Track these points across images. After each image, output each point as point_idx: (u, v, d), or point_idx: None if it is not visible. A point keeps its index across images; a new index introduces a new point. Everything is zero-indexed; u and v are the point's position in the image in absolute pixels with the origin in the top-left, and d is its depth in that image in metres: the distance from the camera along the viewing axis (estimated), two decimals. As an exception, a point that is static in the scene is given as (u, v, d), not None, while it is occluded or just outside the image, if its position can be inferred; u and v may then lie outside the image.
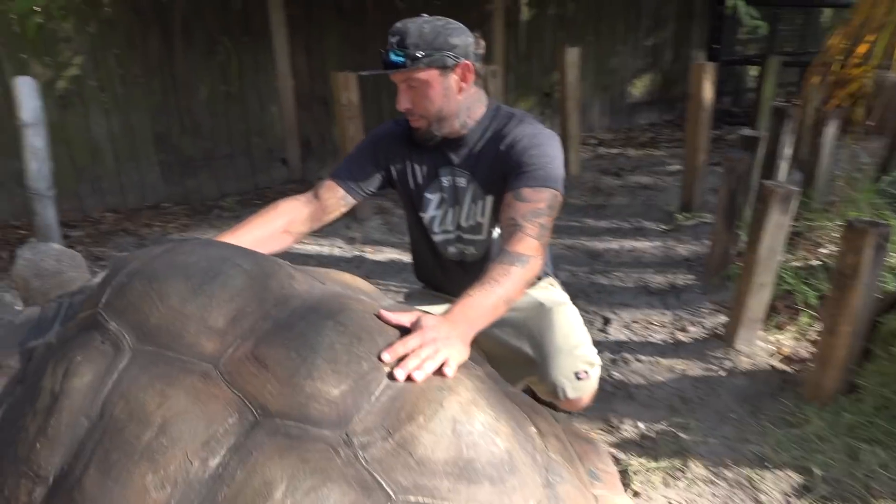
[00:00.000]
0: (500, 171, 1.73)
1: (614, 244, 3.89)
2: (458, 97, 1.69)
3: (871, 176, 3.62)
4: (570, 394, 1.74)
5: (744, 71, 6.89)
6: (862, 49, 2.89)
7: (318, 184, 1.86)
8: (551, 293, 1.95)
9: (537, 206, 1.61)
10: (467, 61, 1.66)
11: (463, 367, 1.30)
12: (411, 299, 2.08)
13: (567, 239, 3.97)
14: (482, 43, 1.72)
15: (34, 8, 3.36)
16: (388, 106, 5.18)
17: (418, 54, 1.60)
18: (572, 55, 4.61)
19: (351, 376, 1.17)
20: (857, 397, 2.24)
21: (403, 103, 1.68)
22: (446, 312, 1.39)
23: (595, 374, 1.79)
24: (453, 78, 1.67)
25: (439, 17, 1.66)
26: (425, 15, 1.67)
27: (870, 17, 2.72)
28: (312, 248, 3.84)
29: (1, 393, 1.31)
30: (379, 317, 1.30)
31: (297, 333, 1.20)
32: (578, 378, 1.74)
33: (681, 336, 2.84)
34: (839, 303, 2.17)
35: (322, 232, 4.01)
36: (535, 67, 5.82)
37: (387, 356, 1.20)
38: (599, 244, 3.90)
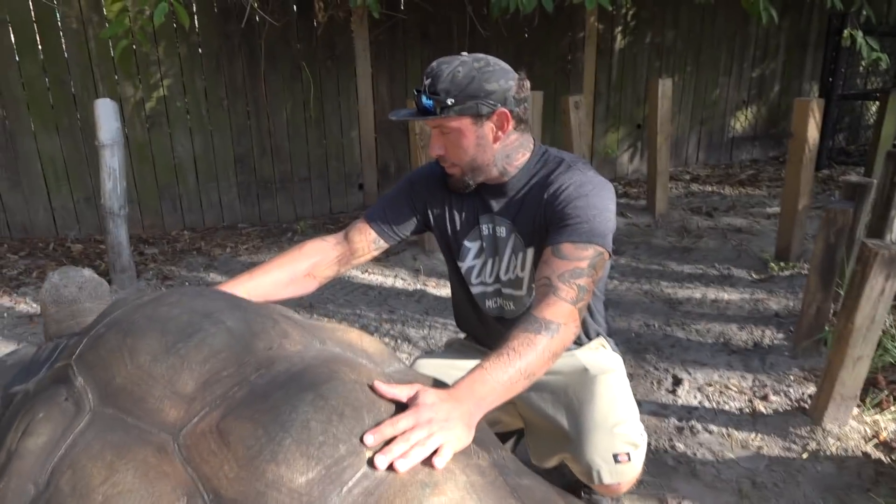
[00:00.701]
0: (542, 221, 1.55)
1: (697, 293, 3.58)
2: (493, 146, 1.54)
3: None
4: (607, 479, 1.52)
5: (863, 107, 6.33)
6: None
7: (351, 225, 1.75)
8: (600, 357, 1.74)
9: (578, 264, 1.42)
10: (504, 109, 1.50)
11: (462, 455, 1.13)
12: (450, 351, 1.92)
13: (644, 284, 3.69)
14: (526, 85, 1.55)
15: (121, 32, 3.46)
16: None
17: (448, 101, 1.46)
18: (665, 86, 4.33)
19: (323, 461, 1.02)
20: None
21: (435, 149, 1.55)
22: (454, 385, 1.22)
23: (638, 457, 1.56)
24: (488, 126, 1.52)
25: (480, 57, 1.51)
26: (465, 53, 1.53)
27: None
28: (375, 278, 3.75)
29: (-25, 441, 1.25)
30: (372, 389, 1.15)
31: (270, 406, 1.07)
32: (617, 461, 1.52)
33: (761, 406, 2.52)
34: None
35: (388, 262, 3.93)
36: (628, 97, 5.55)
37: (371, 438, 1.05)
38: (680, 292, 3.60)
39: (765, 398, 2.57)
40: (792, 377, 2.70)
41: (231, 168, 4.53)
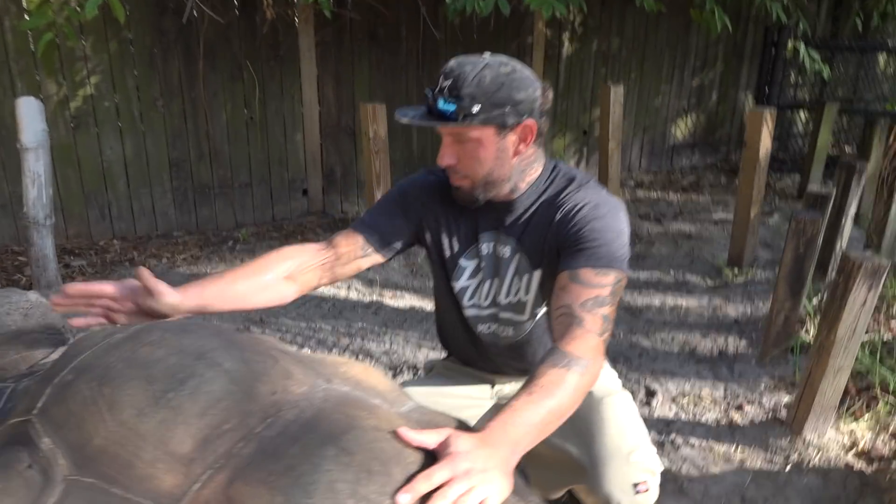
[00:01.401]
0: (553, 243, 1.43)
1: (656, 300, 3.56)
2: (512, 161, 1.41)
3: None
4: (627, 510, 1.42)
5: (793, 116, 6.54)
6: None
7: (336, 233, 1.57)
8: (602, 377, 1.63)
9: (600, 292, 1.31)
10: (531, 120, 1.37)
11: (504, 507, 1.00)
12: (435, 377, 1.78)
13: (605, 293, 3.64)
14: (550, 96, 1.43)
15: (43, 24, 3.14)
16: (419, 141, 4.93)
17: (474, 109, 1.31)
18: (617, 93, 4.32)
19: (355, 531, 0.87)
20: (960, 518, 1.88)
21: (447, 159, 1.40)
22: (483, 429, 1.08)
23: (656, 483, 1.46)
24: (511, 139, 1.38)
25: (505, 60, 1.36)
26: (487, 54, 1.38)
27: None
28: (329, 290, 3.56)
29: None
30: (397, 436, 1.00)
31: (287, 466, 0.91)
32: (637, 491, 1.42)
33: (737, 417, 2.49)
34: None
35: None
36: (575, 104, 5.54)
37: (405, 498, 0.90)
38: (640, 299, 3.57)
39: (740, 408, 2.55)
40: (763, 386, 2.70)
41: (165, 173, 4.23)
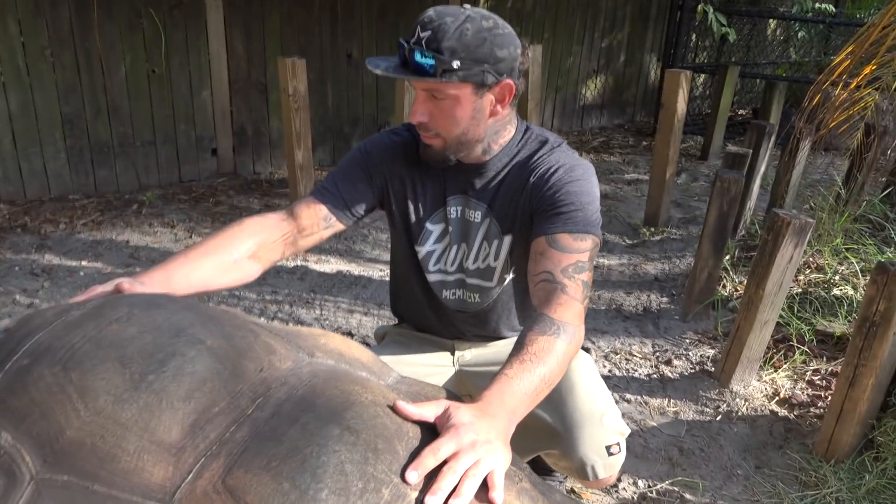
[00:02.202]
0: (526, 207, 1.40)
1: (579, 259, 3.62)
2: (487, 121, 1.35)
3: (844, 199, 3.50)
4: (601, 473, 1.43)
5: (693, 78, 6.79)
6: (867, 70, 2.71)
7: (296, 202, 1.48)
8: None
9: (579, 258, 1.29)
10: (510, 80, 1.31)
11: (507, 480, 0.98)
12: (391, 344, 1.71)
13: (530, 253, 3.68)
14: (529, 55, 1.37)
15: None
16: (333, 98, 4.75)
17: (454, 64, 1.23)
18: (535, 53, 4.30)
19: (369, 513, 0.82)
20: (876, 455, 2.04)
21: (419, 115, 1.32)
22: (480, 399, 1.05)
23: (624, 445, 1.48)
24: (488, 98, 1.32)
25: (486, 14, 1.29)
26: (468, 6, 1.29)
27: (881, 39, 2.54)
28: (249, 255, 3.39)
29: None
30: (395, 410, 0.95)
31: (289, 449, 0.84)
32: (610, 453, 1.44)
33: (667, 371, 2.59)
34: (864, 352, 1.95)
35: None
36: (488, 62, 5.50)
37: (413, 475, 0.86)
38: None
39: (668, 363, 2.65)
40: (688, 340, 2.81)
41: (58, 130, 3.86)
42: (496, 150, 1.41)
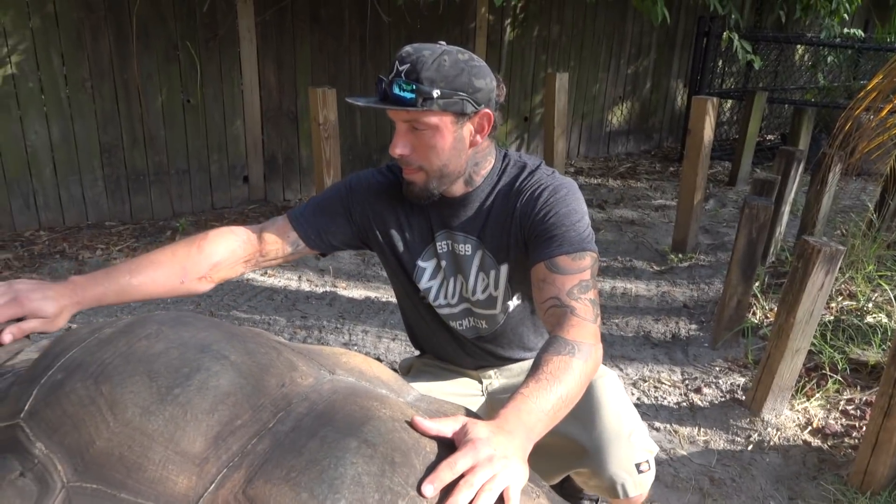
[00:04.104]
0: (518, 235, 1.41)
1: (606, 285, 3.61)
2: (468, 151, 1.37)
3: (876, 225, 3.45)
4: (632, 491, 1.41)
5: (721, 104, 6.78)
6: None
7: (270, 221, 1.50)
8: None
9: (581, 277, 1.29)
10: (488, 110, 1.33)
11: (524, 496, 0.98)
12: (418, 374, 1.72)
13: (557, 279, 3.67)
14: (504, 89, 1.40)
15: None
16: (363, 127, 4.83)
17: (434, 93, 1.25)
18: (562, 80, 4.34)
19: (385, 525, 0.83)
20: (913, 486, 1.98)
21: (400, 148, 1.33)
22: (496, 416, 1.05)
23: (654, 463, 1.47)
24: (468, 128, 1.34)
25: (461, 49, 1.33)
26: (443, 42, 1.34)
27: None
28: (279, 280, 3.44)
29: None
30: (413, 425, 0.96)
31: (308, 461, 0.85)
32: (640, 471, 1.42)
33: (696, 399, 2.55)
34: (899, 380, 1.90)
35: (290, 262, 3.63)
36: (517, 90, 5.56)
37: (429, 488, 0.87)
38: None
39: (698, 391, 2.61)
40: (717, 368, 2.77)
41: (96, 159, 3.99)
42: (478, 182, 1.43)
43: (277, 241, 1.46)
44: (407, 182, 1.40)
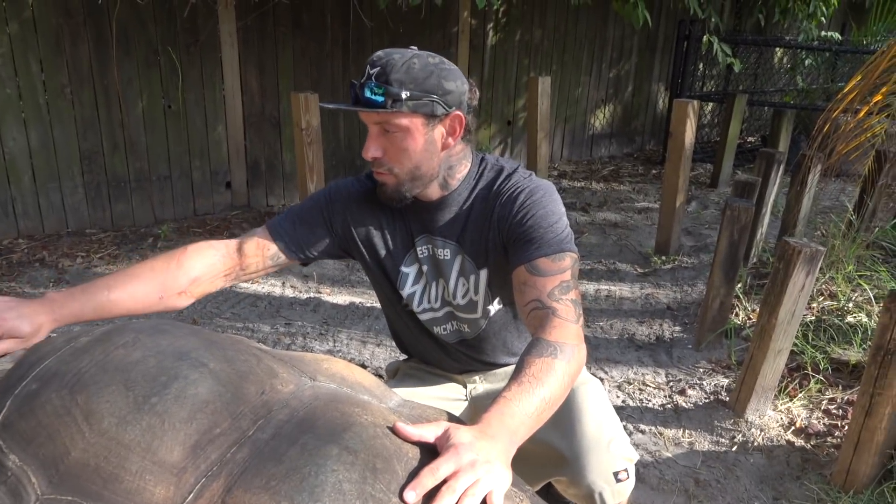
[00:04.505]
0: (497, 239, 1.41)
1: (591, 287, 3.62)
2: (440, 154, 1.37)
3: (856, 226, 3.48)
4: (610, 500, 1.41)
5: (701, 107, 6.83)
6: (877, 98, 2.72)
7: (248, 234, 1.49)
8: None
9: (562, 278, 1.29)
10: (459, 112, 1.33)
11: (507, 499, 0.98)
12: (405, 378, 1.71)
13: (541, 282, 3.67)
14: (477, 93, 1.41)
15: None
16: (346, 131, 4.82)
17: (403, 94, 1.26)
18: (545, 84, 4.36)
19: (367, 533, 0.82)
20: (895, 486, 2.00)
21: (372, 150, 1.33)
22: (478, 421, 1.05)
23: (633, 471, 1.46)
24: (439, 130, 1.34)
25: (432, 54, 1.33)
26: (415, 47, 1.34)
27: (891, 67, 2.56)
28: (262, 287, 3.42)
29: None
30: (395, 431, 0.95)
31: (288, 468, 0.85)
32: (618, 480, 1.41)
33: (681, 401, 2.56)
34: (880, 381, 1.92)
35: (272, 268, 3.60)
36: (500, 94, 5.57)
37: (411, 494, 0.87)
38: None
39: (682, 393, 2.62)
40: (701, 370, 2.78)
41: (76, 165, 3.94)
42: (454, 185, 1.42)
43: (257, 254, 1.45)
44: (379, 184, 1.40)
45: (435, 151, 1.36)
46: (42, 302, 1.24)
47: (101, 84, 3.89)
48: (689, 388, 2.65)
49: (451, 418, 1.11)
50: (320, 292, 3.40)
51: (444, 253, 1.46)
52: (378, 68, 1.27)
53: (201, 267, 1.40)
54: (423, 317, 1.54)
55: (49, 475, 0.82)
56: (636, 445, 2.29)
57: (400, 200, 1.40)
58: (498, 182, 1.42)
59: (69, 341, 0.98)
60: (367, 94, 1.27)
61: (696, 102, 3.73)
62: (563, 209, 1.39)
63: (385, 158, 1.34)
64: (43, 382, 0.90)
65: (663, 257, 3.95)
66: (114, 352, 0.94)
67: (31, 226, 3.90)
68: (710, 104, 6.74)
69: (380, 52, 1.30)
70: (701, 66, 6.36)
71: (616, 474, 1.41)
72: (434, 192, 1.42)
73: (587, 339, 3.04)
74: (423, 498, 0.86)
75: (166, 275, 1.37)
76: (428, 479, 0.88)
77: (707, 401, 2.56)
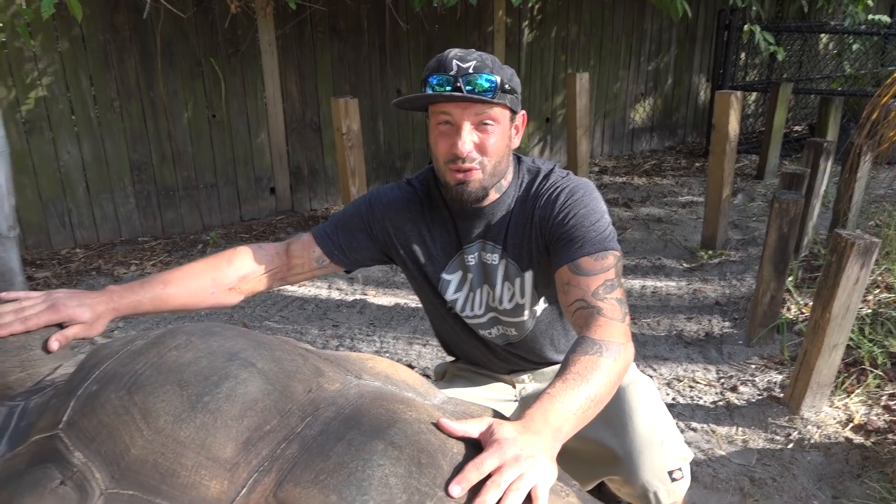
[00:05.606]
0: (539, 241, 1.40)
1: (636, 283, 3.58)
2: (510, 152, 1.39)
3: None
4: (665, 499, 1.39)
5: (744, 97, 6.69)
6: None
7: (295, 237, 1.52)
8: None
9: (606, 276, 1.28)
10: (524, 112, 1.37)
11: (552, 494, 0.97)
12: (455, 380, 1.71)
13: (585, 279, 3.64)
14: None
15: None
16: (387, 135, 4.86)
17: (506, 85, 1.28)
18: (583, 81, 4.32)
19: (411, 524, 0.83)
20: (961, 480, 1.92)
21: (468, 144, 1.31)
22: (522, 416, 1.04)
23: (688, 470, 1.44)
24: (512, 127, 1.37)
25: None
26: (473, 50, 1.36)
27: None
28: (309, 290, 3.47)
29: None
30: (439, 427, 0.96)
31: (335, 464, 0.86)
32: (673, 479, 1.39)
33: (733, 398, 2.51)
34: (941, 371, 1.85)
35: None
36: (537, 92, 5.54)
37: (457, 489, 0.87)
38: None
39: (734, 390, 2.56)
40: (753, 366, 2.72)
41: (127, 176, 4.07)
42: (505, 187, 1.43)
43: (303, 257, 1.48)
44: (461, 183, 1.35)
45: (509, 148, 1.37)
46: (103, 293, 1.29)
47: (148, 97, 4.00)
48: (741, 384, 2.59)
49: (495, 415, 1.12)
50: (366, 294, 3.43)
51: (492, 258, 1.46)
52: (472, 62, 1.27)
53: (250, 265, 1.44)
54: (470, 322, 1.54)
55: (111, 471, 0.85)
56: (688, 443, 2.25)
57: (480, 199, 1.38)
58: (536, 184, 1.42)
59: (126, 344, 1.01)
60: (484, 81, 1.27)
61: (738, 93, 3.65)
62: (605, 207, 1.38)
63: (477, 151, 1.33)
64: (103, 384, 0.93)
65: (710, 251, 3.88)
66: (167, 353, 0.96)
67: (87, 235, 4.03)
68: (754, 94, 6.60)
69: (456, 51, 1.30)
70: (743, 55, 6.23)
71: (671, 473, 1.39)
72: (492, 194, 1.41)
73: (634, 336, 3.01)
74: (468, 493, 0.87)
75: (217, 271, 1.40)
76: (473, 474, 0.88)
77: (760, 397, 2.50)
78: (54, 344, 1.18)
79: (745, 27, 4.87)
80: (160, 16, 3.80)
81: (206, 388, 0.91)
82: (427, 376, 2.45)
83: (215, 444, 0.86)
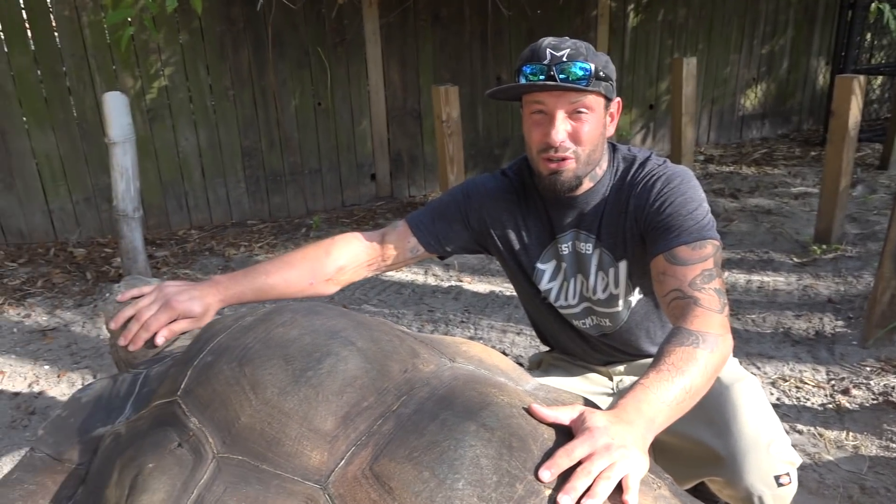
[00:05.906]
0: (635, 230, 1.37)
1: (741, 278, 3.44)
2: (604, 140, 1.37)
3: None
4: (770, 504, 1.34)
5: (868, 82, 6.23)
6: None
7: (391, 226, 1.55)
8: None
9: (704, 266, 1.25)
10: (620, 99, 1.35)
11: (643, 486, 0.97)
12: (549, 369, 1.71)
13: (686, 271, 3.53)
14: None
15: (127, 19, 3.20)
16: (486, 122, 4.87)
17: (600, 73, 1.27)
18: (690, 66, 4.17)
19: (503, 505, 0.85)
20: None
21: (562, 133, 1.31)
22: (614, 406, 1.04)
23: (796, 476, 1.37)
24: (607, 115, 1.35)
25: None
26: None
27: None
28: (406, 275, 3.55)
29: (60, 496, 1.04)
30: (530, 412, 0.97)
31: (429, 442, 0.89)
32: (780, 484, 1.33)
33: (844, 401, 2.38)
34: None
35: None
36: (641, 77, 5.39)
37: (546, 473, 0.88)
38: (724, 278, 3.45)
39: (846, 392, 2.43)
40: (868, 368, 2.56)
41: (238, 162, 4.28)
42: (599, 175, 1.41)
43: (398, 246, 1.52)
44: (554, 173, 1.35)
45: (604, 136, 1.37)
46: (210, 284, 1.37)
47: (259, 85, 4.19)
48: (854, 387, 2.45)
49: (587, 403, 1.12)
50: (461, 281, 3.48)
51: (586, 247, 1.45)
52: (566, 50, 1.27)
53: (347, 256, 1.49)
54: (563, 312, 1.54)
55: (223, 436, 0.92)
56: (793, 446, 2.15)
57: (574, 188, 1.38)
58: (632, 172, 1.39)
59: (237, 320, 1.09)
60: (577, 70, 1.26)
61: (861, 78, 3.42)
62: (703, 195, 1.34)
63: (571, 140, 1.32)
64: (216, 356, 1.00)
65: (824, 246, 3.67)
66: (274, 330, 1.02)
67: (202, 217, 4.28)
68: (880, 78, 6.14)
69: (550, 40, 1.31)
70: (868, 36, 5.81)
71: (777, 478, 1.33)
72: (586, 183, 1.41)
73: (737, 333, 2.90)
74: (558, 479, 0.88)
75: (315, 263, 1.46)
76: (563, 460, 0.89)
77: (875, 402, 2.36)
78: (160, 339, 1.28)
79: (873, 6, 4.53)
80: (272, 8, 3.96)
81: (309, 363, 0.96)
82: (520, 364, 2.46)
83: (317, 416, 0.91)
